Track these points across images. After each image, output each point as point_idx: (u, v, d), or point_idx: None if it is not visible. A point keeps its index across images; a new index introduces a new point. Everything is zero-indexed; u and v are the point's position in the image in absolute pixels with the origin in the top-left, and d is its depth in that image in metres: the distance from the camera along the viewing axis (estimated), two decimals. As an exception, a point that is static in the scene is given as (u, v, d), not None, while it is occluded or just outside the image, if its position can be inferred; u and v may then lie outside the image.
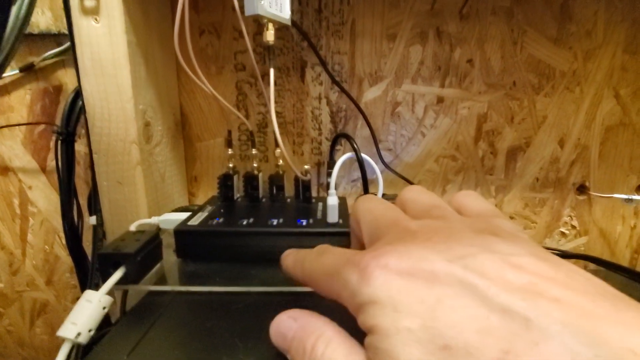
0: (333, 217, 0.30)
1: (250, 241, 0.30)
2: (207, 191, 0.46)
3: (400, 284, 0.13)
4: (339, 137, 0.35)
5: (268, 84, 0.29)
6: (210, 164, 0.45)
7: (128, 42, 0.32)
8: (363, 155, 0.31)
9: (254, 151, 0.36)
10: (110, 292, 0.25)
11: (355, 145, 0.31)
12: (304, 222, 0.30)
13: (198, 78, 0.30)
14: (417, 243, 0.14)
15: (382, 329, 0.12)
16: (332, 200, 0.30)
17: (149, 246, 0.27)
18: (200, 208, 0.34)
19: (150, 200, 0.36)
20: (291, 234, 0.29)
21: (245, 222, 0.30)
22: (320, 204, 0.36)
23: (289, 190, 0.38)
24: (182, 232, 0.29)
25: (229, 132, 0.36)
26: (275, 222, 0.31)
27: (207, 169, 0.46)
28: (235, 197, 0.37)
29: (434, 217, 0.17)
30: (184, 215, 0.34)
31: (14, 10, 0.25)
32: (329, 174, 0.32)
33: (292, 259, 0.20)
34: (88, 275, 0.42)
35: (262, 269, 0.29)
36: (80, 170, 0.45)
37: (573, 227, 0.46)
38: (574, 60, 0.41)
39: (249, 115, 0.44)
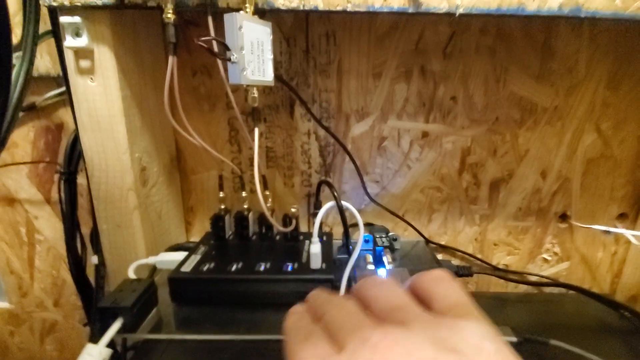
0: (316, 263, 0.32)
1: (238, 287, 0.32)
2: (203, 220, 0.48)
3: None
4: (322, 184, 0.37)
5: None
6: (205, 195, 0.48)
7: (123, 97, 0.34)
8: (344, 203, 0.33)
9: (243, 194, 0.38)
10: (110, 342, 0.27)
11: (335, 194, 0.32)
12: (289, 268, 0.33)
13: (191, 136, 0.32)
14: None
15: None
16: (315, 249, 0.32)
17: (145, 296, 0.30)
18: (194, 248, 0.37)
19: (147, 240, 0.38)
20: (277, 281, 0.32)
21: (234, 268, 0.33)
22: (306, 243, 0.38)
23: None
24: (175, 280, 0.32)
25: (220, 176, 0.38)
26: (262, 267, 0.33)
27: (202, 199, 0.48)
28: (227, 236, 0.39)
29: (396, 322, 0.17)
30: (179, 255, 0.36)
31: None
32: (315, 215, 0.34)
33: (290, 323, 0.20)
34: (92, 301, 0.45)
35: (250, 313, 0.31)
36: (83, 202, 0.48)
37: (555, 253, 0.48)
38: (556, 97, 0.42)
39: (241, 149, 0.46)
